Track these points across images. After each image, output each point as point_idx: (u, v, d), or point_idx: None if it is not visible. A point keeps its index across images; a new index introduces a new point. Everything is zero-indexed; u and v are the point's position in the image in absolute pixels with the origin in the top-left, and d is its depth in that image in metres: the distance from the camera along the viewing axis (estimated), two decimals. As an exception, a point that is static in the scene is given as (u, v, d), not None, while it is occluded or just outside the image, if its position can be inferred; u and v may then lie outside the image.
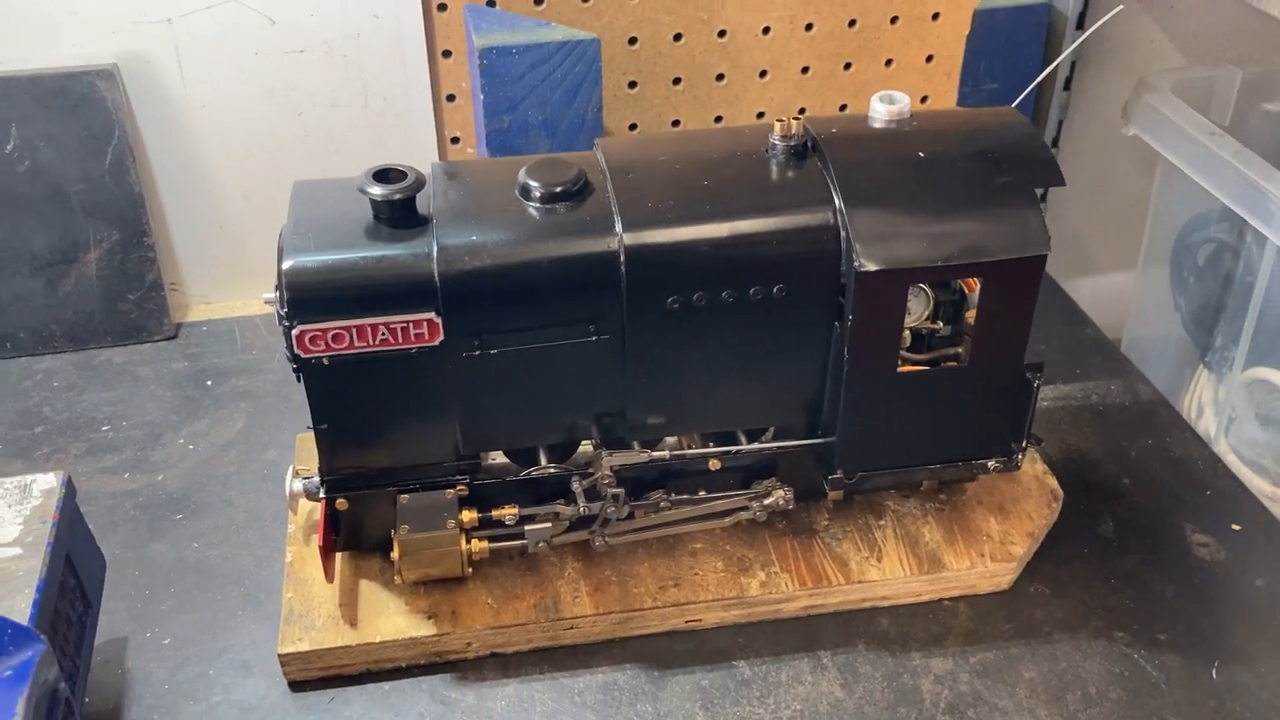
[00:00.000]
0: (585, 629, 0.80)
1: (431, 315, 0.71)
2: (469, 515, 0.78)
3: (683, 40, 1.11)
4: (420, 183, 0.73)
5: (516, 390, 0.76)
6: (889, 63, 1.18)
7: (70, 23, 1.00)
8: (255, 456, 0.97)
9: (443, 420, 0.77)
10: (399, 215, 0.73)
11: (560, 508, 0.79)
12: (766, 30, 1.13)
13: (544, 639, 0.79)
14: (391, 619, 0.78)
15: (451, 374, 0.74)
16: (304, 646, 0.77)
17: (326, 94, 1.08)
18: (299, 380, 0.74)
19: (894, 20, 1.15)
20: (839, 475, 0.80)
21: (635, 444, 0.80)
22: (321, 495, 0.79)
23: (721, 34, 1.12)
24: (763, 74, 1.15)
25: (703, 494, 0.82)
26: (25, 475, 0.73)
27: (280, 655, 0.76)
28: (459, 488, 0.79)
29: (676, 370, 0.77)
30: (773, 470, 0.83)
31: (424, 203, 0.74)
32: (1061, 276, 1.16)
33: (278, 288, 0.71)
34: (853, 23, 1.14)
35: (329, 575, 0.79)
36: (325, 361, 0.72)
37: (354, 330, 0.71)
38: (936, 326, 0.80)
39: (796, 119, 0.77)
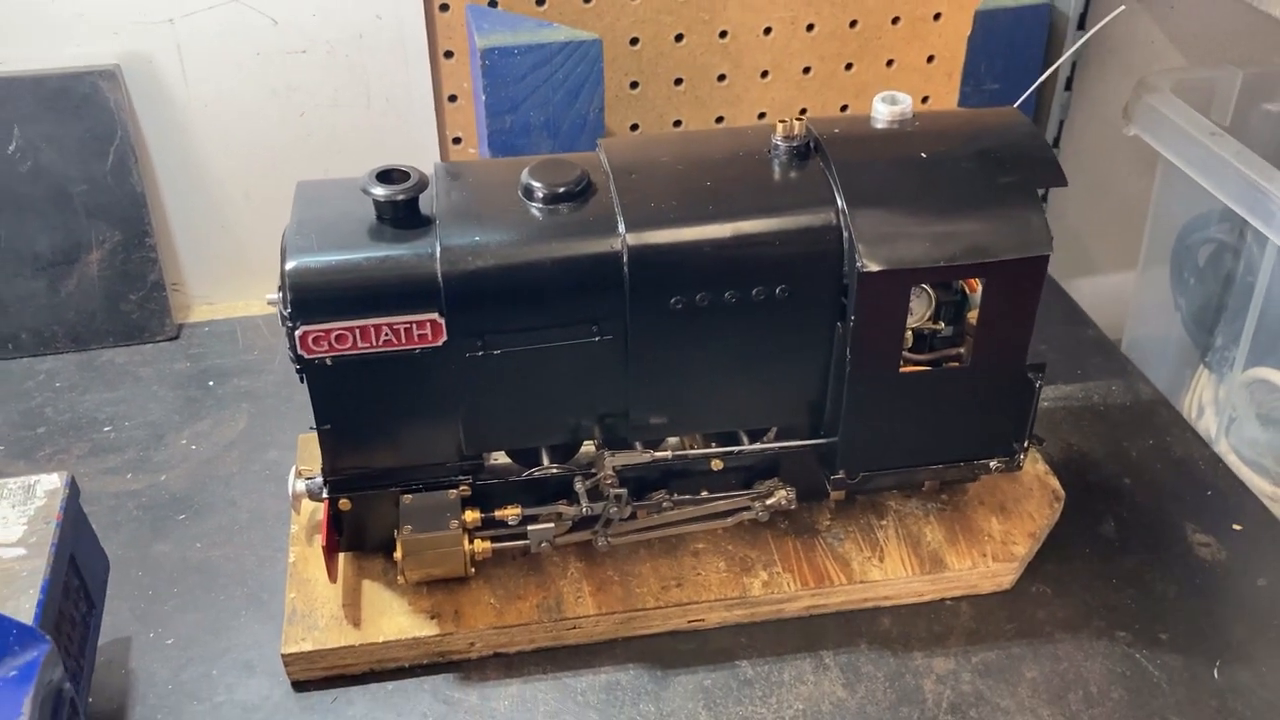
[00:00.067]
0: (588, 629, 0.80)
1: (434, 316, 0.72)
2: (472, 515, 0.78)
3: (684, 41, 1.11)
4: (423, 183, 0.73)
5: (519, 390, 0.76)
6: (890, 63, 1.18)
7: (73, 23, 1.00)
8: (257, 457, 0.97)
9: (446, 421, 0.77)
10: (402, 216, 0.73)
11: (563, 508, 0.79)
12: (768, 31, 1.13)
13: (547, 639, 0.80)
14: (395, 619, 0.79)
15: (454, 374, 0.74)
16: (307, 646, 0.77)
17: (328, 94, 1.08)
18: (302, 381, 0.74)
19: (895, 21, 1.15)
20: (841, 475, 0.81)
21: (638, 444, 0.80)
22: (325, 495, 0.79)
23: (723, 34, 1.12)
24: (764, 74, 1.16)
25: (705, 494, 0.82)
26: (29, 476, 0.73)
27: (283, 655, 0.77)
28: (462, 488, 0.79)
29: (679, 370, 0.77)
30: (775, 470, 0.83)
31: (427, 203, 0.74)
32: (1062, 276, 1.16)
33: (281, 288, 0.71)
34: (854, 23, 1.15)
35: (332, 575, 0.79)
36: (328, 362, 0.72)
37: (357, 331, 0.71)
38: (938, 327, 0.80)
39: (799, 119, 0.77)
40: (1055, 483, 0.90)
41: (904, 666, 0.78)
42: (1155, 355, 1.09)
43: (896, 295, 0.74)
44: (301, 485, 0.80)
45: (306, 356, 0.72)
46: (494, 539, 0.79)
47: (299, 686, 0.77)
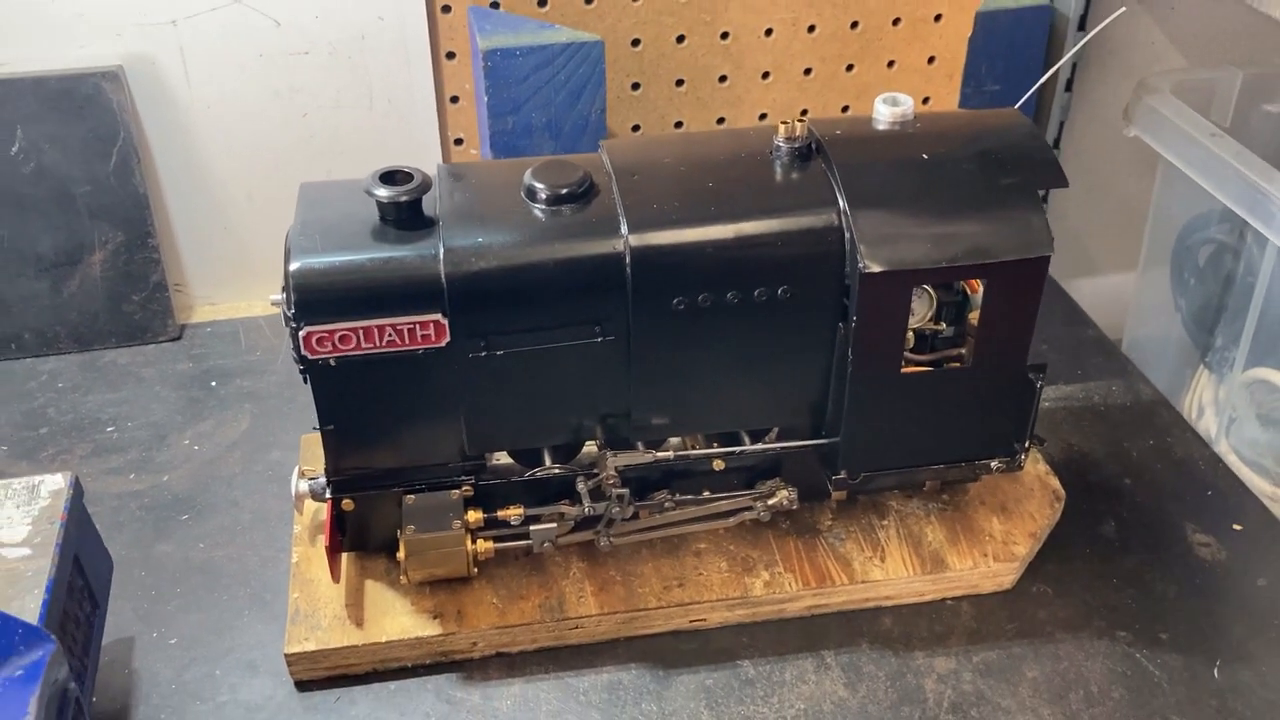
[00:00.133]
0: (590, 629, 0.80)
1: (438, 317, 0.72)
2: (474, 516, 0.78)
3: (685, 42, 1.11)
4: (426, 185, 0.73)
5: (522, 391, 0.76)
6: (891, 64, 1.18)
7: (75, 25, 1.01)
8: (260, 457, 0.97)
9: (448, 421, 0.77)
10: (405, 217, 0.73)
11: (565, 508, 0.80)
12: (769, 32, 1.13)
13: (549, 639, 0.80)
14: (397, 619, 0.79)
15: (457, 375, 0.75)
16: (310, 646, 0.77)
17: (331, 95, 1.08)
18: (305, 381, 0.74)
19: (896, 22, 1.16)
20: (842, 475, 0.81)
21: (640, 444, 0.80)
22: (328, 496, 0.79)
23: (724, 36, 1.12)
24: (765, 75, 1.16)
25: (707, 494, 0.83)
26: (33, 476, 0.73)
27: (286, 655, 0.77)
28: (464, 488, 0.79)
29: (681, 371, 0.77)
30: (777, 470, 0.83)
31: (430, 204, 0.74)
32: (1063, 277, 1.17)
33: (285, 289, 0.72)
34: (855, 24, 1.15)
35: (335, 575, 0.79)
36: (332, 363, 0.72)
37: (361, 331, 0.71)
38: (940, 327, 0.81)
39: (800, 121, 0.77)
40: (1056, 483, 0.90)
41: (905, 666, 0.79)
42: (1155, 355, 1.10)
43: (898, 296, 0.74)
44: (304, 485, 0.80)
45: (310, 357, 0.72)
46: (496, 539, 0.80)
47: (302, 686, 0.78)
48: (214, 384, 1.05)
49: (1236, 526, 0.89)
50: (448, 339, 0.73)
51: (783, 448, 0.82)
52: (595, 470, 0.79)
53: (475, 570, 0.80)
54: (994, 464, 0.83)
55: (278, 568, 0.85)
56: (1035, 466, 0.91)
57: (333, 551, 0.79)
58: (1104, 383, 1.05)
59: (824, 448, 0.81)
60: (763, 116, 1.18)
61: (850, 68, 1.18)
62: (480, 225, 0.73)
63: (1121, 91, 1.06)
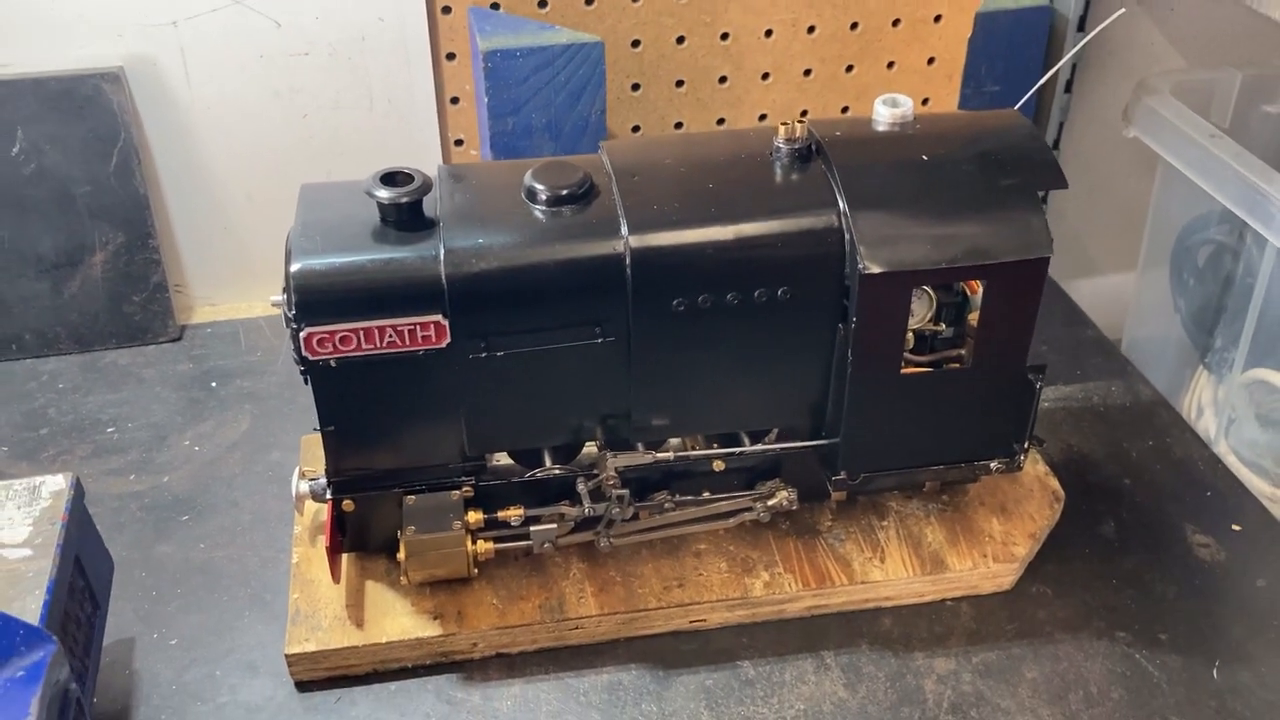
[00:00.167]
0: (590, 629, 0.80)
1: (438, 318, 0.72)
2: (474, 516, 0.79)
3: (685, 43, 1.11)
4: (427, 186, 0.73)
5: (522, 392, 0.76)
6: (891, 65, 1.18)
7: (76, 26, 1.01)
8: (260, 458, 0.97)
9: (449, 422, 0.77)
10: (406, 218, 0.73)
11: (565, 509, 0.80)
12: (769, 33, 1.13)
13: (549, 639, 0.80)
14: (398, 619, 0.79)
15: (458, 376, 0.75)
16: (310, 647, 0.77)
17: (331, 96, 1.08)
18: (306, 382, 0.74)
19: (896, 23, 1.16)
20: (842, 476, 0.81)
21: (640, 445, 0.81)
22: (328, 496, 0.79)
23: (724, 37, 1.12)
24: (765, 76, 1.16)
25: (707, 495, 0.83)
26: (34, 477, 0.73)
27: (287, 656, 0.77)
28: (465, 489, 0.79)
29: (681, 372, 0.77)
30: (776, 471, 0.84)
31: (430, 206, 0.74)
32: (1062, 277, 1.17)
33: (285, 290, 0.72)
34: (854, 25, 1.15)
35: (335, 576, 0.79)
36: (333, 364, 0.72)
37: (361, 332, 0.71)
38: (939, 328, 0.81)
39: (800, 122, 0.77)
40: (1055, 483, 0.90)
41: (905, 667, 0.79)
42: (1155, 356, 1.10)
43: (898, 297, 0.74)
44: (305, 486, 0.80)
45: (311, 358, 0.72)
46: (496, 540, 0.80)
47: (302, 687, 0.78)
48: (214, 385, 1.05)
49: (1236, 527, 0.89)
50: (448, 340, 0.73)
51: (782, 448, 0.82)
52: (595, 471, 0.79)
53: (475, 571, 0.80)
54: (993, 465, 0.83)
55: (278, 568, 0.86)
56: (1035, 467, 0.91)
57: (333, 552, 0.79)
58: (1103, 383, 1.05)
59: (824, 448, 0.82)
60: (763, 117, 1.18)
61: (850, 69, 1.18)
62: (481, 226, 0.73)
63: (1121, 92, 1.06)
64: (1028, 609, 0.83)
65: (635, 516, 0.82)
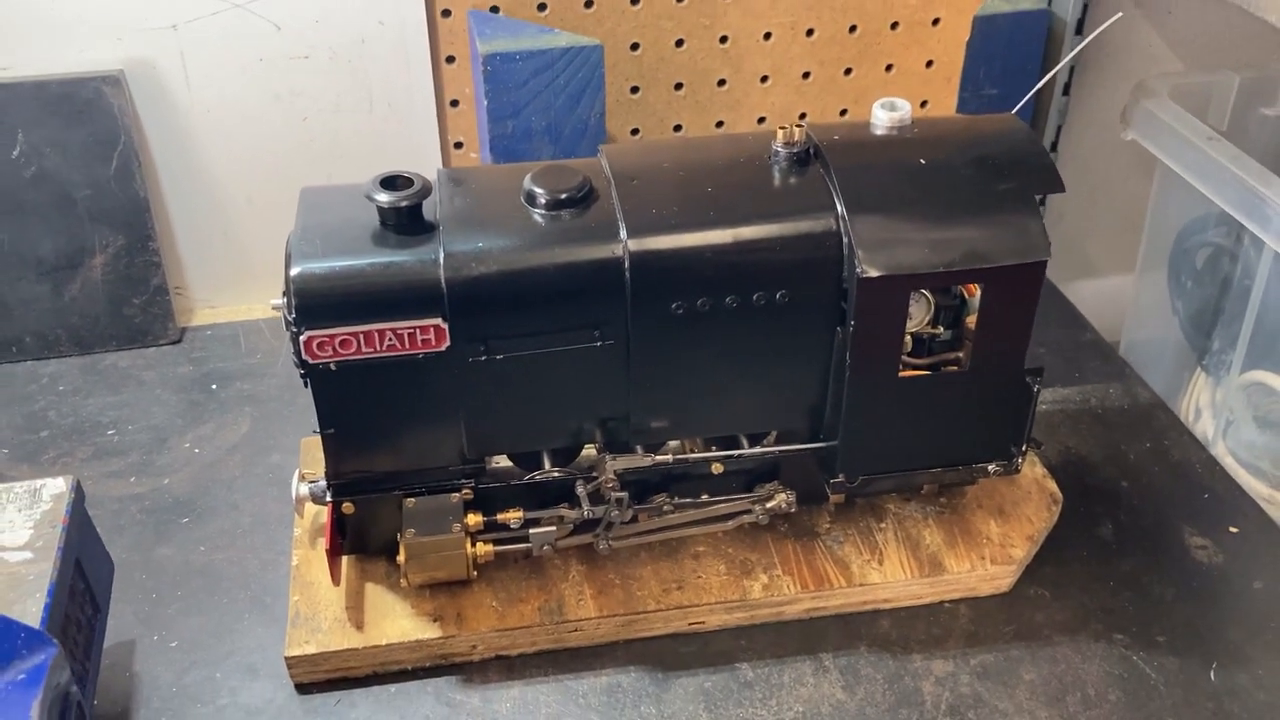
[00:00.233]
0: (589, 631, 0.80)
1: (438, 321, 0.72)
2: (474, 519, 0.79)
3: (684, 46, 1.12)
4: (426, 190, 0.74)
5: (521, 395, 0.77)
6: (889, 68, 1.19)
7: (76, 29, 1.01)
8: (260, 460, 0.97)
9: (448, 425, 0.77)
10: (405, 222, 0.73)
11: (564, 511, 0.80)
12: (768, 36, 1.13)
13: (548, 641, 0.80)
14: (397, 622, 0.79)
15: (457, 379, 0.75)
16: (310, 649, 0.77)
17: (331, 99, 1.08)
18: (306, 385, 0.74)
19: (894, 26, 1.16)
20: (840, 479, 0.81)
21: (639, 448, 0.81)
22: (328, 499, 0.79)
23: (723, 40, 1.12)
24: (764, 79, 1.16)
25: (705, 497, 0.83)
26: (35, 480, 0.74)
27: (287, 658, 0.77)
28: (464, 491, 0.79)
29: (680, 375, 0.78)
30: (775, 474, 0.84)
31: (430, 209, 0.74)
32: (1060, 280, 1.17)
33: (285, 294, 0.72)
34: (853, 28, 1.15)
35: (335, 578, 0.80)
36: (332, 367, 0.73)
37: (361, 336, 0.72)
38: (937, 331, 0.81)
39: (799, 126, 0.77)
40: (1053, 486, 0.91)
41: (903, 669, 0.79)
42: (1153, 358, 1.10)
43: (896, 300, 0.74)
44: (305, 489, 0.80)
45: (311, 361, 0.72)
46: (496, 542, 0.80)
47: (302, 689, 0.78)
48: (214, 387, 1.06)
49: (1233, 529, 0.90)
50: (448, 343, 0.73)
51: (781, 451, 0.82)
52: (594, 474, 0.80)
53: (475, 573, 0.81)
54: (991, 467, 0.83)
55: (278, 571, 0.86)
56: (1032, 469, 0.92)
57: (333, 554, 0.79)
58: (1101, 385, 1.05)
59: (822, 451, 0.82)
60: (761, 120, 1.19)
61: (848, 71, 1.18)
62: (480, 230, 0.74)
63: (1119, 95, 1.06)
64: (1025, 611, 0.83)
65: (634, 519, 0.82)
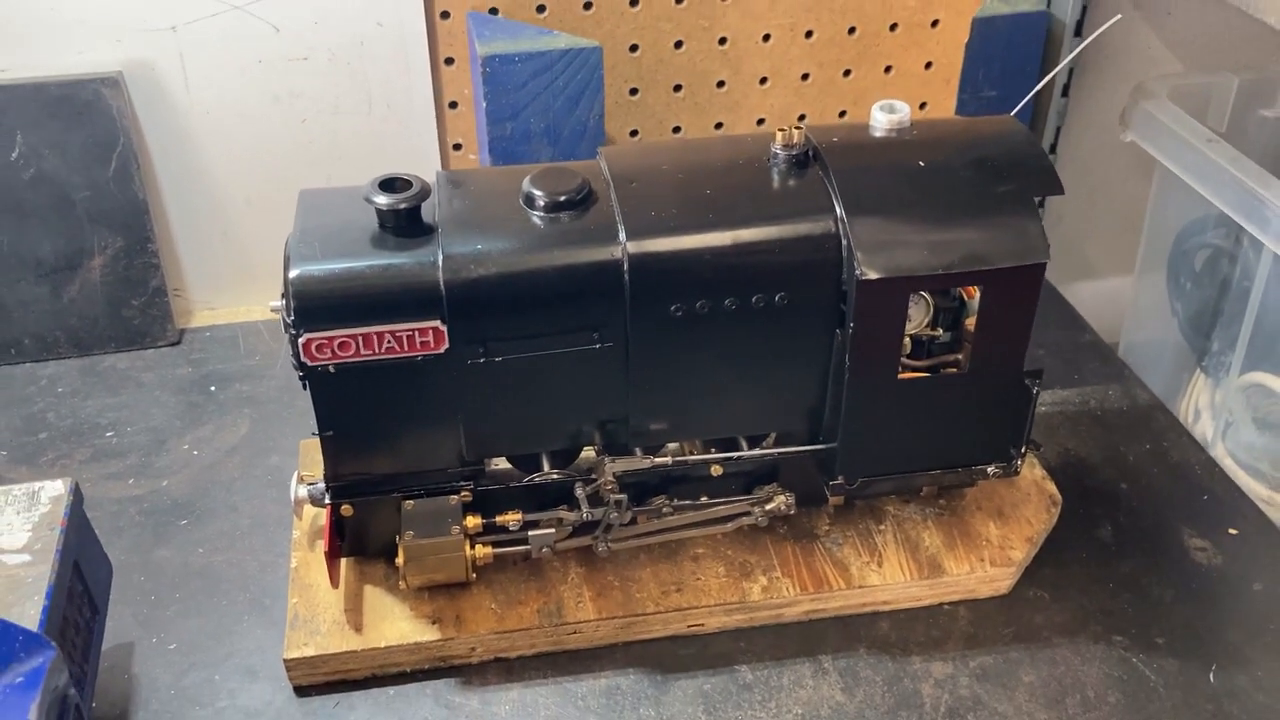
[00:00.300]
0: (588, 633, 0.80)
1: (437, 323, 0.72)
2: (473, 521, 0.79)
3: (683, 48, 1.12)
4: (425, 192, 0.73)
5: (520, 397, 0.77)
6: (888, 70, 1.19)
7: (75, 30, 1.01)
8: (259, 462, 0.97)
9: (447, 427, 0.77)
10: (404, 224, 0.73)
11: (563, 513, 0.80)
12: (767, 38, 1.13)
13: (547, 644, 0.80)
14: (396, 624, 0.79)
15: (456, 381, 0.75)
16: (309, 651, 0.77)
17: (330, 101, 1.08)
18: (304, 388, 0.74)
19: (893, 28, 1.16)
20: (840, 481, 0.81)
21: (638, 450, 0.81)
22: (327, 501, 0.79)
23: (722, 41, 1.12)
24: (763, 81, 1.16)
25: (705, 499, 0.83)
26: (34, 482, 0.74)
27: (286, 660, 0.77)
28: (463, 494, 0.79)
29: (679, 377, 0.77)
30: (774, 476, 0.84)
31: (429, 212, 0.74)
32: (1059, 281, 1.17)
33: (284, 296, 0.72)
34: (852, 30, 1.15)
35: (334, 581, 0.80)
36: (331, 369, 0.72)
37: (360, 338, 0.72)
38: (936, 333, 0.81)
39: (798, 128, 0.77)
40: (1052, 487, 0.91)
41: (902, 671, 0.79)
42: (1152, 360, 1.10)
43: (895, 302, 0.74)
44: (303, 491, 0.80)
45: (310, 364, 0.72)
46: (495, 544, 0.80)
47: (301, 691, 0.78)
48: (213, 389, 1.06)
49: (1232, 531, 0.90)
50: (446, 345, 0.73)
51: (780, 453, 0.82)
52: (594, 476, 0.80)
53: (474, 575, 0.81)
54: (991, 469, 0.83)
55: (277, 573, 0.86)
56: (1032, 471, 0.92)
57: (332, 557, 0.79)
58: (1100, 387, 1.05)
59: (821, 453, 0.82)
60: (760, 121, 1.19)
61: (848, 73, 1.18)
62: (479, 232, 0.74)
63: (1118, 97, 1.06)
64: (1025, 613, 0.83)
65: (633, 521, 0.82)
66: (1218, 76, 1.02)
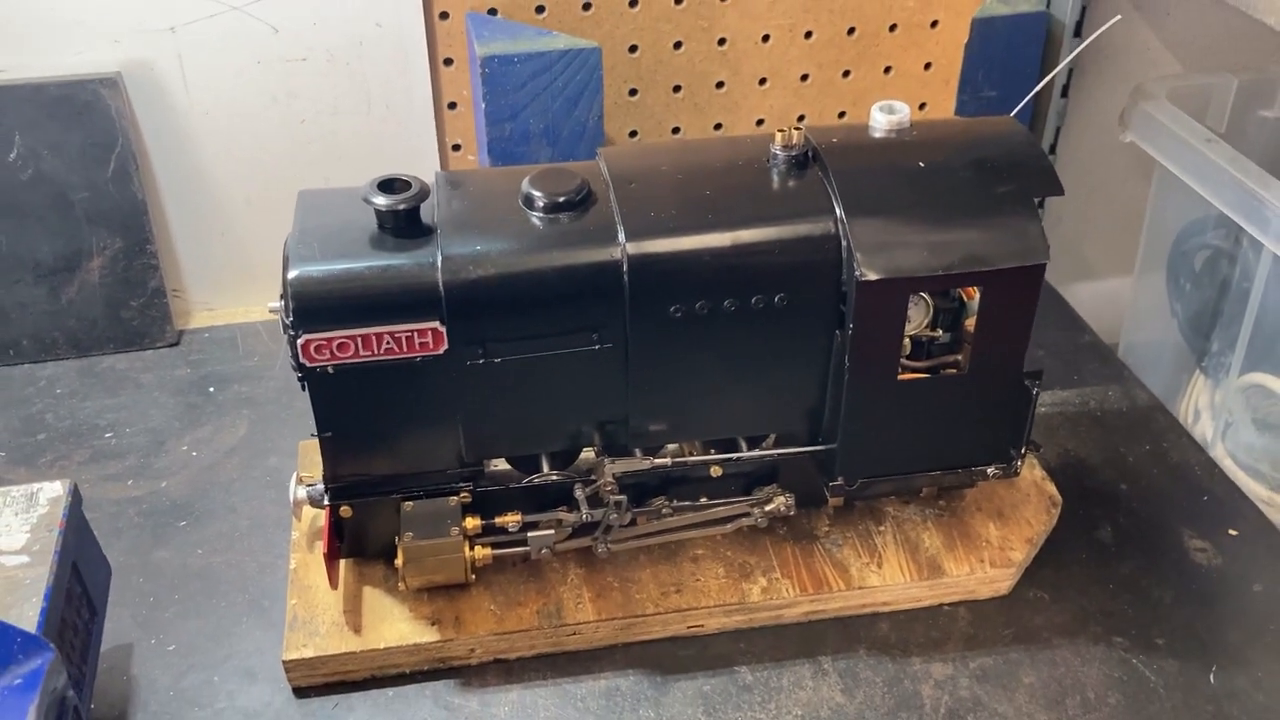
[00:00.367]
0: (588, 635, 0.80)
1: (436, 324, 0.72)
2: (472, 522, 0.79)
3: (683, 48, 1.12)
4: (424, 193, 0.73)
5: (520, 398, 0.77)
6: (888, 70, 1.19)
7: (74, 31, 1.01)
8: (258, 463, 0.97)
9: (446, 428, 0.77)
10: (403, 225, 0.73)
11: (563, 514, 0.80)
12: (766, 38, 1.13)
13: (547, 645, 0.80)
14: (395, 625, 0.79)
15: (455, 382, 0.75)
16: (308, 653, 0.77)
17: (329, 101, 1.08)
18: (303, 389, 0.74)
19: (893, 28, 1.16)
20: (839, 482, 0.81)
21: (637, 451, 0.81)
22: (326, 502, 0.79)
23: (721, 42, 1.12)
24: (762, 81, 1.16)
25: (704, 500, 0.83)
26: (32, 484, 0.73)
27: (285, 662, 0.77)
28: (462, 495, 0.79)
29: (679, 378, 0.77)
30: (774, 477, 0.84)
31: (428, 212, 0.74)
32: (1059, 282, 1.17)
33: (283, 297, 0.72)
34: (852, 30, 1.15)
35: (333, 582, 0.80)
36: (330, 370, 0.72)
37: (359, 339, 0.72)
38: (936, 334, 0.81)
39: (797, 129, 0.77)
40: (1052, 488, 0.91)
41: (902, 672, 0.79)
42: (1151, 360, 1.10)
43: (894, 303, 0.74)
44: (302, 492, 0.80)
45: (308, 365, 0.72)
46: (494, 545, 0.80)
47: (300, 693, 0.78)
48: (212, 390, 1.05)
49: (1232, 531, 0.90)
50: (445, 346, 0.73)
51: (780, 454, 0.82)
52: (593, 477, 0.80)
53: (473, 577, 0.81)
54: (990, 470, 0.83)
55: (276, 574, 0.86)
56: (1031, 472, 0.91)
57: (331, 558, 0.79)
58: (1100, 388, 1.05)
59: (821, 454, 0.82)
60: (760, 122, 1.19)
61: (847, 74, 1.18)
62: (478, 233, 0.74)
63: (1117, 97, 1.06)
64: (1025, 614, 0.83)
65: (633, 522, 0.82)
66: (1217, 77, 1.02)
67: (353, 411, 0.75)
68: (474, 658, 0.79)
